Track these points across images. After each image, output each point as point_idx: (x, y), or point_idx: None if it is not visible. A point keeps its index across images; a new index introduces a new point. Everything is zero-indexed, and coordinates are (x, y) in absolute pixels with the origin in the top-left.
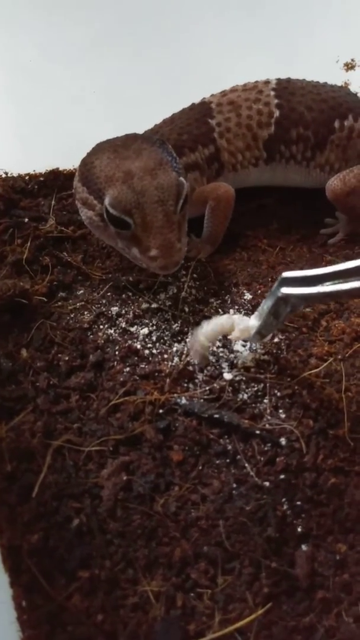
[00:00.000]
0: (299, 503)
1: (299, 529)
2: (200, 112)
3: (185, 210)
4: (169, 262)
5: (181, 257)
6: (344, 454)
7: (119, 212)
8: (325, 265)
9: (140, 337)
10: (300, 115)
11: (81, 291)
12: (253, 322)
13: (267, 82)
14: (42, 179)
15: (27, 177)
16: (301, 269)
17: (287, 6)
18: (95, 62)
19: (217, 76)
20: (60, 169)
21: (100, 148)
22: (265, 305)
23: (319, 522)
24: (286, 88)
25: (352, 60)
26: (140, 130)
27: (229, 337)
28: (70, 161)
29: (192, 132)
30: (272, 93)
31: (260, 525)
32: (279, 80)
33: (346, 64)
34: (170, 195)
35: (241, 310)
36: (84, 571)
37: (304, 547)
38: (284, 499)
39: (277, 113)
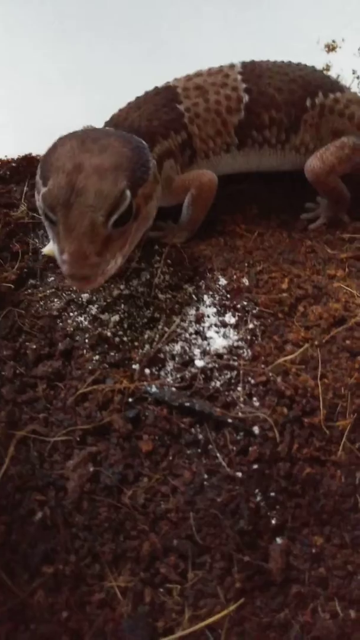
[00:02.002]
0: (272, 494)
1: (273, 521)
2: (166, 97)
3: (126, 229)
4: (76, 273)
5: (95, 275)
6: (319, 443)
7: (46, 205)
8: (305, 252)
9: (111, 325)
10: (271, 98)
11: (52, 278)
12: None
13: (232, 66)
14: (14, 164)
15: None
16: (279, 254)
17: None
18: (68, 44)
19: (192, 58)
20: (34, 154)
21: (72, 134)
22: None
23: (294, 513)
24: (253, 71)
25: (333, 41)
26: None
27: None
28: (43, 147)
29: (161, 117)
30: (239, 77)
31: (233, 518)
32: (244, 63)
33: (327, 45)
34: (105, 205)
35: (215, 295)
36: (48, 566)
37: (278, 540)
38: (257, 490)
39: (246, 98)
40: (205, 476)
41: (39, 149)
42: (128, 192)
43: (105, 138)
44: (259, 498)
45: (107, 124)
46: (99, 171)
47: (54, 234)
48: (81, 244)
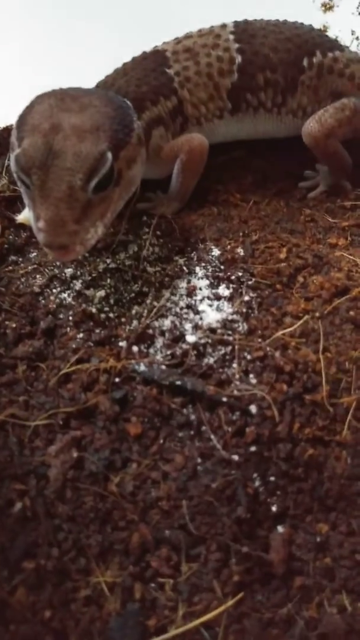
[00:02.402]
0: (272, 479)
1: (274, 508)
2: (155, 61)
3: (106, 195)
4: (53, 241)
5: (73, 244)
6: (322, 422)
7: (19, 167)
8: (304, 220)
9: (96, 300)
10: (266, 58)
11: (34, 254)
12: None
13: (224, 26)
14: None
15: None
16: (277, 223)
17: None
18: (50, 10)
19: (182, 20)
20: None
21: (51, 92)
22: None
23: (296, 499)
24: (245, 30)
25: (330, 0)
26: (95, 80)
27: None
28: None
29: (150, 83)
30: (231, 37)
31: (229, 505)
32: (236, 23)
33: (324, 5)
34: (83, 167)
35: (208, 267)
36: (29, 561)
37: (279, 529)
38: (255, 475)
39: (239, 59)
40: (199, 460)
41: None
42: (109, 154)
43: (86, 96)
44: (257, 483)
45: None
46: (78, 132)
47: (30, 199)
48: (58, 210)
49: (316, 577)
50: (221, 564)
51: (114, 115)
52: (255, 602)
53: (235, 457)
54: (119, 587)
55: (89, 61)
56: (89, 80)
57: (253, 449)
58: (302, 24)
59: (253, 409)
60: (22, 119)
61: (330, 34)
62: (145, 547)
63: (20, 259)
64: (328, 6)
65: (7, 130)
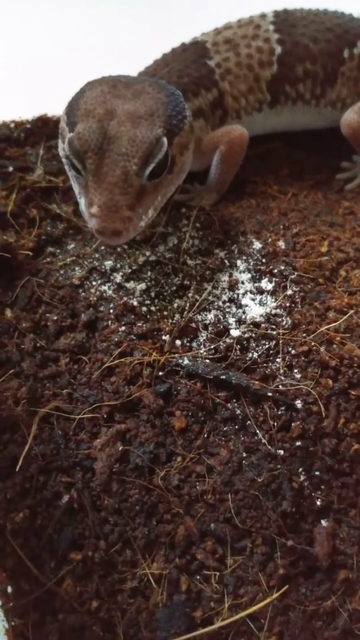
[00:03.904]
0: (317, 473)
1: (318, 503)
2: (195, 52)
3: (160, 182)
4: (106, 227)
5: (128, 230)
6: None
7: (74, 151)
8: (343, 213)
9: (137, 293)
10: (306, 49)
11: (72, 245)
12: None
13: (263, 16)
14: (29, 126)
15: (12, 125)
16: (316, 215)
17: None
18: (83, 3)
19: (218, 11)
20: (49, 115)
21: (102, 79)
22: None
23: (341, 494)
24: (286, 20)
25: None
26: (133, 73)
27: None
28: (60, 107)
29: (191, 74)
30: (271, 27)
31: (274, 499)
32: (276, 12)
33: None
34: (138, 152)
35: (250, 260)
36: (76, 553)
37: (323, 523)
38: (300, 469)
39: (278, 49)
40: (244, 454)
41: (55, 109)
42: (164, 140)
43: (138, 84)
44: (302, 477)
45: None
46: (132, 117)
47: (80, 185)
48: (112, 195)
49: None
50: (266, 557)
51: (167, 101)
52: (299, 595)
53: (281, 452)
54: (165, 579)
55: (120, 52)
56: (119, 71)
57: (298, 443)
58: (343, 13)
59: (298, 403)
60: (73, 104)
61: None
62: (191, 540)
63: (58, 251)
64: None
65: (41, 120)
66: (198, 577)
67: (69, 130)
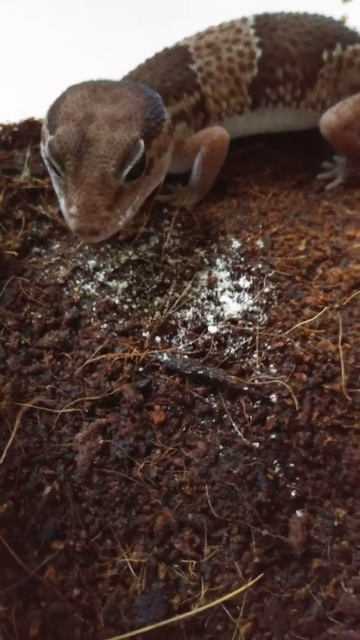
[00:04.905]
0: (292, 465)
1: (293, 493)
2: (178, 56)
3: (138, 183)
4: (84, 227)
5: (106, 229)
6: (341, 411)
7: (53, 153)
8: (322, 212)
9: (119, 292)
10: (285, 52)
11: (57, 245)
12: None
13: (244, 20)
14: (16, 129)
15: (0, 128)
16: (295, 215)
17: None
18: (69, 6)
19: (200, 13)
20: (36, 118)
21: (82, 84)
22: None
23: (315, 485)
24: (266, 24)
25: None
26: (118, 76)
27: None
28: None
29: (174, 78)
30: (252, 31)
31: (250, 490)
32: (257, 16)
33: None
34: (116, 154)
35: (229, 259)
36: (58, 542)
37: (298, 513)
38: (275, 461)
39: (259, 53)
40: (221, 447)
41: (42, 113)
42: (141, 142)
43: (118, 87)
44: (277, 469)
45: None
46: (111, 121)
47: (60, 186)
48: (91, 196)
49: (333, 559)
50: (242, 546)
51: (145, 105)
52: (274, 583)
53: (256, 444)
54: (144, 568)
55: (107, 56)
56: (106, 74)
57: (273, 436)
58: (322, 16)
59: (273, 397)
60: (55, 108)
61: (349, 24)
62: (169, 529)
63: (44, 251)
64: None
65: (29, 123)
66: (176, 565)
67: (50, 133)
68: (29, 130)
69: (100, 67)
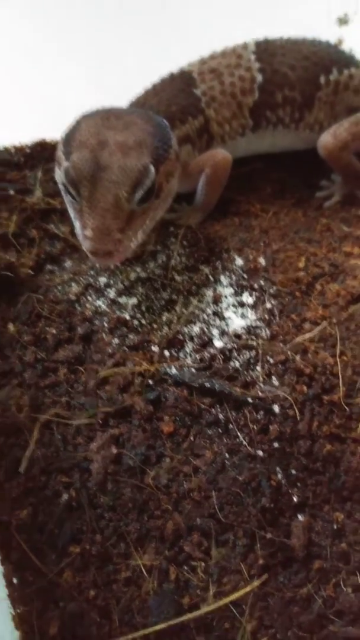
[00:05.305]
0: (293, 472)
1: (295, 499)
2: (183, 81)
3: (148, 207)
4: (99, 249)
5: (118, 251)
6: (339, 420)
7: (69, 179)
8: (321, 230)
9: (129, 308)
10: (285, 77)
11: (69, 263)
12: None
13: (245, 46)
14: (28, 150)
15: (12, 149)
16: (295, 232)
17: None
18: (80, 31)
19: (203, 37)
20: (47, 140)
21: (95, 112)
22: None
23: (315, 491)
24: (266, 50)
25: (346, 14)
26: (127, 100)
27: None
28: (57, 132)
29: (179, 103)
30: (253, 57)
31: (255, 496)
32: (257, 42)
33: (339, 19)
34: (128, 180)
35: (232, 276)
36: (75, 546)
37: (300, 517)
38: (278, 468)
39: (259, 78)
40: (227, 455)
41: (53, 135)
42: (152, 168)
43: (129, 115)
44: (280, 476)
45: None
46: (122, 148)
47: (75, 210)
48: (104, 219)
49: (333, 560)
50: (247, 548)
51: (154, 132)
52: (278, 583)
53: (260, 453)
54: (155, 570)
55: (116, 80)
56: (115, 98)
57: (276, 445)
58: (320, 41)
59: (276, 408)
60: (69, 135)
61: (345, 46)
62: (179, 533)
63: (56, 268)
64: (343, 20)
65: (40, 144)
66: (185, 567)
67: (65, 159)
68: (40, 152)
69: (106, 90)
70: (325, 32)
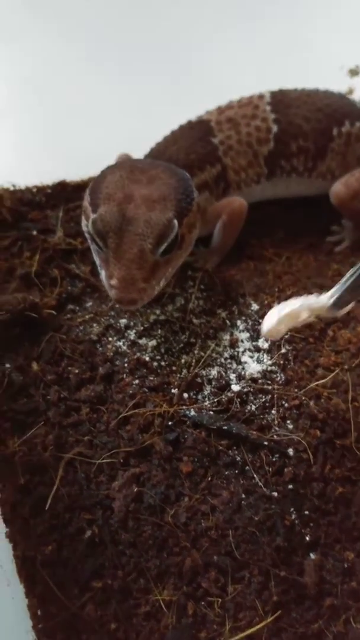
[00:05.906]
0: (307, 512)
1: (307, 538)
2: (201, 130)
3: (171, 257)
4: (124, 297)
5: (142, 299)
6: (351, 464)
7: (97, 231)
8: (332, 275)
9: (149, 349)
10: (299, 128)
11: (90, 303)
12: (325, 299)
13: (261, 97)
14: (49, 190)
15: (34, 189)
16: (308, 278)
17: (289, 12)
18: (102, 73)
19: (219, 85)
20: (67, 180)
21: (121, 164)
22: (349, 276)
23: (327, 531)
24: (281, 101)
25: (357, 66)
26: (145, 144)
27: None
28: (77, 173)
29: (198, 151)
30: (268, 108)
31: (269, 535)
32: (273, 94)
33: (351, 71)
34: (153, 233)
35: (248, 321)
36: (97, 581)
37: (312, 556)
38: (292, 509)
39: (275, 128)
40: (243, 496)
41: (73, 175)
42: (175, 222)
43: (153, 169)
44: (293, 516)
45: (146, 157)
46: (147, 202)
47: (101, 259)
48: (130, 270)
49: (343, 597)
50: (262, 585)
51: (177, 186)
52: (291, 619)
53: (275, 494)
54: (174, 605)
55: (135, 122)
56: (133, 140)
57: (290, 486)
58: (333, 92)
59: (290, 451)
60: (96, 187)
61: (356, 95)
62: (197, 570)
63: (77, 308)
64: (354, 72)
65: (61, 185)
66: (203, 602)
67: (92, 211)
68: (61, 192)
69: (124, 134)
70: (336, 82)
